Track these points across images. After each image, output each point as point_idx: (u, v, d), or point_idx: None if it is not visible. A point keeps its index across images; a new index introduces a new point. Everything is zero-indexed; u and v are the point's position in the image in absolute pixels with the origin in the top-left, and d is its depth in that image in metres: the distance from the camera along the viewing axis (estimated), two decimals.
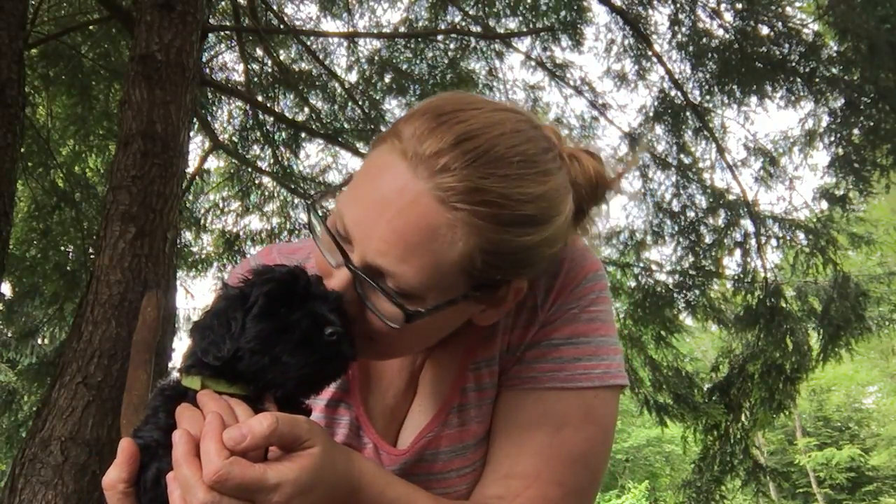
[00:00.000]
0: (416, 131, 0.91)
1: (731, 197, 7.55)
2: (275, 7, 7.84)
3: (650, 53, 7.53)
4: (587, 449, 1.06)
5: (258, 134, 7.91)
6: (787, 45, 7.14)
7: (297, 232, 8.10)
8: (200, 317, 0.93)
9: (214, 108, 7.93)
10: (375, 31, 8.23)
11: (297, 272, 0.93)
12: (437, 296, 0.93)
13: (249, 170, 8.09)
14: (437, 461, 1.10)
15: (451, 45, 7.74)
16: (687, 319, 7.82)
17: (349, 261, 0.93)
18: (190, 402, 0.89)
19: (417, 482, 1.06)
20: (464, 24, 7.74)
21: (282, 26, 7.74)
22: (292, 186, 7.76)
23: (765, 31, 7.28)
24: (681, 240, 7.61)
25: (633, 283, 7.68)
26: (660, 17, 7.61)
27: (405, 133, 0.92)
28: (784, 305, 7.36)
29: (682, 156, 7.68)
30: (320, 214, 0.99)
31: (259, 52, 7.80)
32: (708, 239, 7.61)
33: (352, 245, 0.93)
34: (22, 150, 5.22)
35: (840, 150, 7.28)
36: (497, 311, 1.03)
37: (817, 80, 7.10)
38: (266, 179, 8.27)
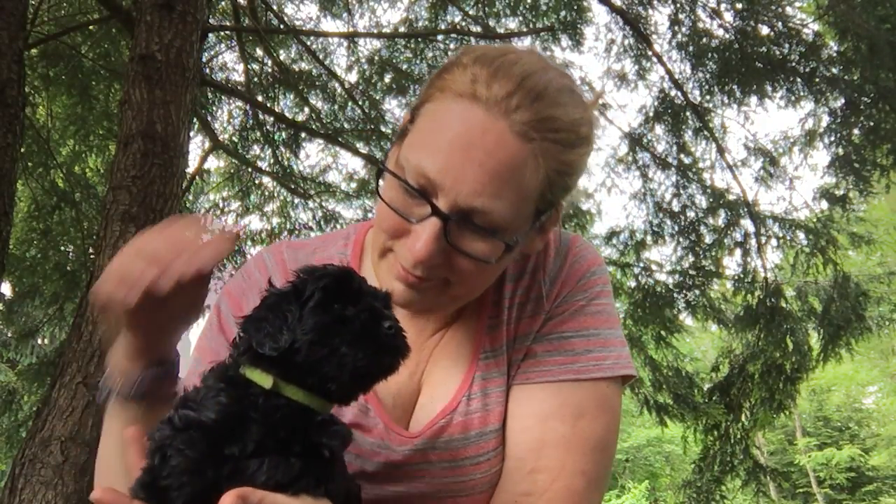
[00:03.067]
0: (476, 78, 0.98)
1: (731, 197, 7.55)
2: (275, 7, 7.84)
3: (650, 53, 7.52)
4: (604, 436, 1.12)
5: (258, 134, 7.90)
6: (787, 45, 7.14)
7: (297, 232, 8.10)
8: (252, 311, 0.93)
9: (214, 108, 7.93)
10: (375, 31, 8.22)
11: (349, 270, 0.96)
12: (522, 224, 1.03)
13: (249, 170, 8.09)
14: (450, 449, 1.13)
15: (451, 45, 7.73)
16: (687, 319, 7.82)
17: (438, 209, 0.97)
18: (253, 398, 0.88)
19: (433, 470, 1.10)
20: (464, 24, 7.73)
21: (282, 26, 7.73)
22: (292, 186, 7.77)
23: (765, 31, 7.28)
24: (681, 240, 7.61)
25: (633, 283, 7.68)
26: (660, 17, 7.63)
27: (462, 81, 0.99)
28: (784, 305, 7.36)
29: (682, 156, 7.68)
30: (390, 172, 1.03)
31: (259, 52, 7.80)
32: (708, 239, 7.61)
33: (436, 194, 0.97)
34: (22, 150, 5.22)
35: (840, 150, 7.28)
36: (542, 238, 1.12)
37: (817, 80, 7.10)
38: (266, 179, 8.27)
